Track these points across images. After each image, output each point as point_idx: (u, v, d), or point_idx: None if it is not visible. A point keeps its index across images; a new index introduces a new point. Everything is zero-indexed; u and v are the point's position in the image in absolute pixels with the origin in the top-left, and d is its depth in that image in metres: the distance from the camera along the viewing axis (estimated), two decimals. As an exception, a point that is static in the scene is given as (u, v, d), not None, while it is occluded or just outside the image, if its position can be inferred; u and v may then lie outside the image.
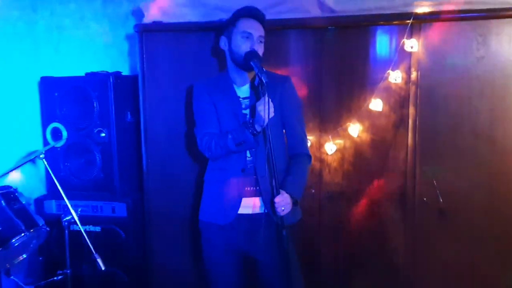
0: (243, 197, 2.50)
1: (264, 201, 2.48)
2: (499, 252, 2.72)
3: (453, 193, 2.75)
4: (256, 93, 2.44)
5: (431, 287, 2.85)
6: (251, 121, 2.36)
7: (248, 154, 2.50)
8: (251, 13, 2.49)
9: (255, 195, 2.50)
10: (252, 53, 2.37)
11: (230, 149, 2.42)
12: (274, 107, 2.40)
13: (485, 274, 2.75)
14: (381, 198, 2.88)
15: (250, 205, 2.51)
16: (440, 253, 2.81)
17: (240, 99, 2.51)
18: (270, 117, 2.27)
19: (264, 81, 2.24)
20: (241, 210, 2.51)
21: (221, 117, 2.52)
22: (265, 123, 2.28)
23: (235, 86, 2.55)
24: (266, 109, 2.24)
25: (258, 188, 2.48)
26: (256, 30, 2.45)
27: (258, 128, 2.34)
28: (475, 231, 2.75)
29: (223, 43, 2.55)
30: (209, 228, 2.58)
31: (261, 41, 2.47)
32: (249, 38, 2.44)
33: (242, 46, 2.43)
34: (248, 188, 2.50)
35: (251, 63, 2.33)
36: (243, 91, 2.53)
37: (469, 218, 2.74)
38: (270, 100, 2.26)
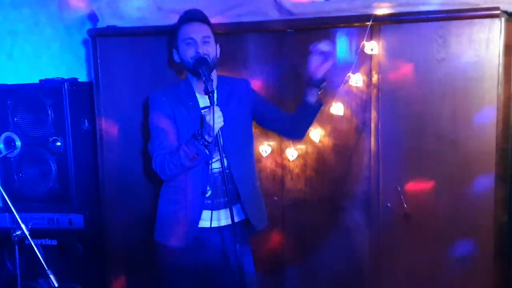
0: (205, 209, 2.42)
1: (231, 212, 2.37)
2: (463, 255, 2.68)
3: (417, 197, 2.70)
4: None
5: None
6: (200, 132, 2.26)
7: (214, 166, 2.41)
8: (190, 17, 2.43)
9: (217, 207, 2.43)
10: (199, 61, 2.30)
11: (184, 166, 2.31)
12: (235, 111, 2.35)
13: (449, 276, 2.71)
14: (345, 204, 2.81)
15: (211, 217, 2.41)
16: (406, 257, 2.76)
17: (202, 110, 2.40)
18: (219, 125, 2.20)
19: (210, 89, 2.16)
20: (202, 224, 2.43)
21: (181, 130, 2.41)
22: (214, 132, 2.19)
23: (197, 95, 2.46)
24: (212, 118, 2.16)
25: (219, 200, 2.43)
26: (198, 32, 2.38)
27: (208, 138, 2.24)
28: (440, 235, 2.70)
29: (175, 56, 2.47)
30: (164, 248, 2.51)
31: (206, 41, 2.38)
32: (191, 44, 2.37)
33: (188, 54, 2.37)
34: (210, 201, 2.41)
35: (199, 70, 2.25)
36: (206, 99, 2.37)
37: (433, 222, 2.70)
38: (219, 108, 2.19)
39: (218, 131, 2.23)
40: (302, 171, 2.83)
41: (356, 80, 2.66)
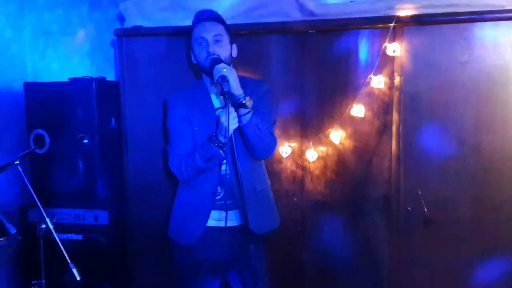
0: (214, 210, 2.43)
1: (238, 214, 2.42)
2: (484, 261, 2.64)
3: (438, 202, 2.66)
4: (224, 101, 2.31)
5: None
6: (214, 133, 2.27)
7: (223, 167, 2.41)
8: (202, 17, 2.42)
9: (227, 208, 2.44)
10: (214, 61, 2.26)
11: (200, 167, 2.33)
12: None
13: (469, 283, 2.67)
14: (365, 207, 2.80)
15: (222, 217, 2.43)
16: (425, 262, 2.73)
17: (217, 111, 2.41)
18: (234, 127, 2.19)
19: (225, 90, 2.14)
20: (212, 224, 2.44)
21: (196, 132, 2.43)
22: (229, 134, 2.18)
23: (212, 96, 2.47)
24: (227, 119, 2.13)
25: (230, 201, 2.43)
26: (209, 31, 2.36)
27: (223, 140, 2.24)
28: (460, 241, 2.67)
29: (192, 57, 2.47)
30: (175, 246, 2.54)
31: (218, 40, 2.35)
32: (203, 44, 2.35)
33: (201, 55, 2.36)
34: (221, 202, 2.43)
35: (213, 71, 2.22)
36: (221, 100, 2.38)
37: (454, 227, 2.67)
38: (233, 109, 2.17)
39: (232, 132, 2.22)
40: (322, 173, 2.82)
41: (378, 82, 2.65)
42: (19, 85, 3.38)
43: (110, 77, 3.35)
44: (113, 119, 3.24)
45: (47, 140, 3.19)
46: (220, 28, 2.38)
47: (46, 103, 3.19)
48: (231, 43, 2.43)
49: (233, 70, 2.22)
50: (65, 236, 3.13)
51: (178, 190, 2.59)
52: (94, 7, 3.54)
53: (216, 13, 2.43)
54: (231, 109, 2.16)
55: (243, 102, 2.18)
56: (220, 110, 2.29)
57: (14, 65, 3.41)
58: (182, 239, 2.50)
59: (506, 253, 2.59)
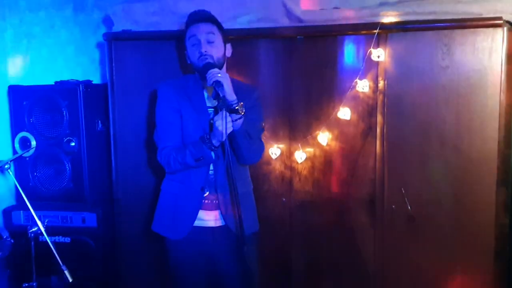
0: (202, 209, 2.48)
1: (223, 215, 2.47)
2: (465, 256, 2.76)
3: (421, 200, 2.78)
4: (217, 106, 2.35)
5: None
6: (208, 136, 2.32)
7: (211, 167, 2.47)
8: (195, 18, 2.45)
9: (214, 208, 2.49)
10: (206, 66, 2.30)
11: (189, 165, 2.38)
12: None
13: (451, 277, 2.79)
14: (351, 206, 2.90)
15: (211, 218, 2.49)
16: (409, 258, 2.83)
17: (208, 109, 2.47)
18: (229, 131, 2.23)
19: (221, 95, 2.19)
20: (200, 223, 2.49)
21: (186, 126, 2.46)
22: (223, 138, 2.23)
23: (205, 93, 2.50)
24: (224, 124, 2.19)
25: (217, 201, 2.47)
26: (201, 31, 2.40)
27: (216, 143, 2.30)
28: (442, 237, 2.78)
29: (187, 58, 2.51)
30: (165, 240, 2.58)
31: (210, 41, 2.39)
32: (196, 44, 2.40)
33: (194, 56, 2.40)
34: (208, 201, 2.48)
35: (206, 76, 2.27)
36: (213, 101, 2.41)
37: (436, 224, 2.77)
38: (228, 114, 2.21)
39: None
40: (310, 173, 2.91)
41: (363, 86, 2.75)
42: (1, 88, 3.37)
43: (95, 80, 3.36)
44: (99, 121, 3.26)
45: (33, 143, 3.20)
46: (213, 28, 2.42)
47: (31, 106, 3.19)
48: (225, 42, 2.47)
49: (227, 75, 2.28)
50: (52, 238, 3.11)
51: (164, 183, 2.61)
52: (78, 10, 3.54)
53: (209, 13, 2.47)
54: (227, 115, 2.20)
55: (236, 108, 2.24)
56: (216, 113, 2.32)
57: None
58: (170, 233, 2.54)
59: (484, 249, 2.72)
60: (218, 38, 2.43)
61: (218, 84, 2.21)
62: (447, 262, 2.79)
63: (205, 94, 2.50)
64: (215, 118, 2.27)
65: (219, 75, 2.23)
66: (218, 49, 2.42)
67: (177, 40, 2.90)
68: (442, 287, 2.82)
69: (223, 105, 2.19)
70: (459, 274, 2.79)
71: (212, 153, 2.34)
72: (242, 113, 2.25)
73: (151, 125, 2.86)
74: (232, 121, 2.26)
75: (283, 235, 2.97)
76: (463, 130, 2.69)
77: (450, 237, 2.76)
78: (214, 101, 2.31)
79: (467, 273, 2.77)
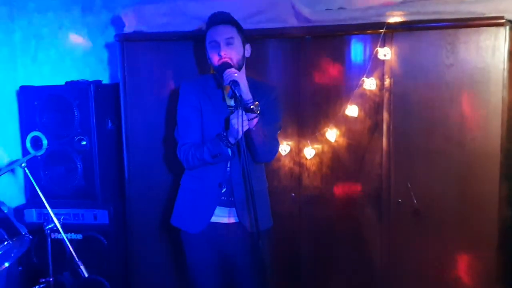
0: (218, 205, 2.55)
1: (237, 211, 2.54)
2: (470, 249, 2.85)
3: (426, 194, 2.86)
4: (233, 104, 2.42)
5: (407, 284, 2.95)
6: (225, 134, 2.39)
7: (228, 164, 2.54)
8: (214, 20, 2.51)
9: (230, 205, 2.56)
10: (225, 65, 2.37)
11: (206, 161, 2.45)
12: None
13: (456, 269, 2.88)
14: (358, 200, 2.98)
15: (226, 214, 2.56)
16: (415, 250, 2.91)
17: (228, 107, 2.52)
18: (244, 130, 2.29)
19: (237, 94, 2.26)
20: (216, 219, 2.56)
21: (206, 124, 2.53)
22: (239, 136, 2.29)
23: (225, 92, 2.56)
24: (240, 123, 2.25)
25: (232, 198, 2.54)
26: (221, 34, 2.45)
27: (232, 141, 2.37)
28: (447, 230, 2.86)
29: (208, 59, 2.55)
30: (182, 234, 2.66)
31: (229, 43, 2.45)
32: (215, 47, 2.45)
33: (213, 57, 2.47)
34: (224, 198, 2.55)
35: (224, 76, 2.34)
36: (230, 100, 2.50)
37: (441, 217, 2.86)
38: (244, 113, 2.27)
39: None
40: (318, 169, 2.99)
41: (370, 84, 2.83)
42: (10, 88, 3.42)
43: (104, 80, 3.42)
44: (109, 121, 3.32)
45: (45, 142, 3.25)
46: (232, 30, 2.48)
47: (42, 106, 3.25)
48: (244, 43, 2.53)
49: (244, 75, 2.36)
50: (65, 235, 3.18)
51: (183, 179, 2.69)
52: (86, 11, 3.59)
53: (229, 15, 2.53)
54: (243, 114, 2.27)
55: (251, 107, 2.32)
56: (232, 113, 2.38)
57: (5, 68, 3.44)
58: (188, 227, 2.61)
59: (488, 242, 2.81)
60: (237, 40, 2.49)
61: (234, 83, 2.29)
62: (452, 255, 2.88)
63: (224, 94, 2.57)
64: (231, 116, 2.34)
65: (236, 74, 2.31)
66: (237, 51, 2.48)
67: (187, 40, 2.97)
68: (447, 278, 2.91)
69: (239, 104, 2.26)
70: (463, 266, 2.88)
71: (229, 150, 2.40)
72: (258, 112, 2.33)
73: (170, 122, 2.95)
74: (248, 119, 2.33)
75: (292, 229, 3.05)
76: (467, 126, 2.77)
77: (455, 230, 2.85)
78: (231, 100, 2.38)
79: (471, 265, 2.86)
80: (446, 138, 2.81)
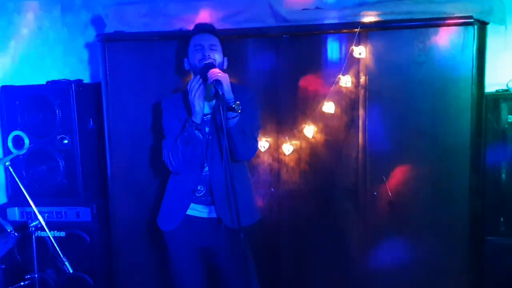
0: (196, 203, 2.64)
1: (216, 209, 2.61)
2: (444, 239, 2.96)
3: (400, 186, 2.97)
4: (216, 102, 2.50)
5: (384, 274, 3.05)
6: (190, 117, 2.49)
7: (206, 168, 2.62)
8: (201, 28, 2.66)
9: (209, 204, 2.64)
10: (209, 65, 2.48)
11: (183, 152, 2.51)
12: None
13: (430, 257, 2.99)
14: (336, 194, 3.07)
15: (206, 211, 2.65)
16: (391, 241, 3.02)
17: (205, 116, 2.56)
18: (200, 100, 2.43)
19: (220, 93, 2.36)
20: (193, 213, 2.65)
21: None
22: (195, 108, 2.44)
23: (206, 92, 2.57)
24: (193, 92, 2.42)
25: (211, 198, 2.62)
26: (206, 40, 2.60)
27: (197, 120, 2.46)
28: (421, 219, 2.98)
29: (186, 64, 2.68)
30: (164, 233, 2.74)
31: (213, 49, 2.59)
32: (199, 50, 2.58)
33: (196, 58, 2.57)
34: (203, 197, 2.64)
35: (207, 74, 2.42)
36: (207, 107, 2.59)
37: (415, 208, 2.97)
38: (199, 79, 2.44)
39: (219, 133, 2.49)
40: (296, 165, 3.08)
41: (346, 81, 2.92)
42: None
43: (85, 79, 3.45)
44: (91, 120, 3.36)
45: (26, 141, 3.28)
46: (216, 40, 2.64)
47: (24, 106, 3.27)
48: (224, 55, 2.66)
49: (227, 76, 2.44)
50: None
51: (168, 183, 2.78)
52: (65, 11, 3.61)
53: (213, 26, 2.69)
54: (197, 78, 2.45)
55: (233, 106, 2.41)
56: (211, 120, 2.56)
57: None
58: (165, 226, 2.71)
59: (459, 230, 2.94)
60: (219, 48, 2.64)
61: (218, 82, 2.38)
62: (425, 244, 2.99)
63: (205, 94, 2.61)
64: (189, 95, 2.46)
65: (219, 74, 2.39)
66: (218, 57, 2.62)
67: (168, 40, 3.04)
68: (422, 267, 3.02)
69: (222, 103, 2.35)
70: (436, 255, 3.00)
71: (197, 132, 2.48)
72: (239, 111, 2.42)
73: (150, 121, 3.07)
74: (229, 118, 2.43)
75: (272, 223, 3.13)
76: (438, 121, 2.89)
77: (428, 220, 2.97)
78: (212, 101, 2.50)
79: (444, 254, 2.97)
80: (419, 133, 2.92)
